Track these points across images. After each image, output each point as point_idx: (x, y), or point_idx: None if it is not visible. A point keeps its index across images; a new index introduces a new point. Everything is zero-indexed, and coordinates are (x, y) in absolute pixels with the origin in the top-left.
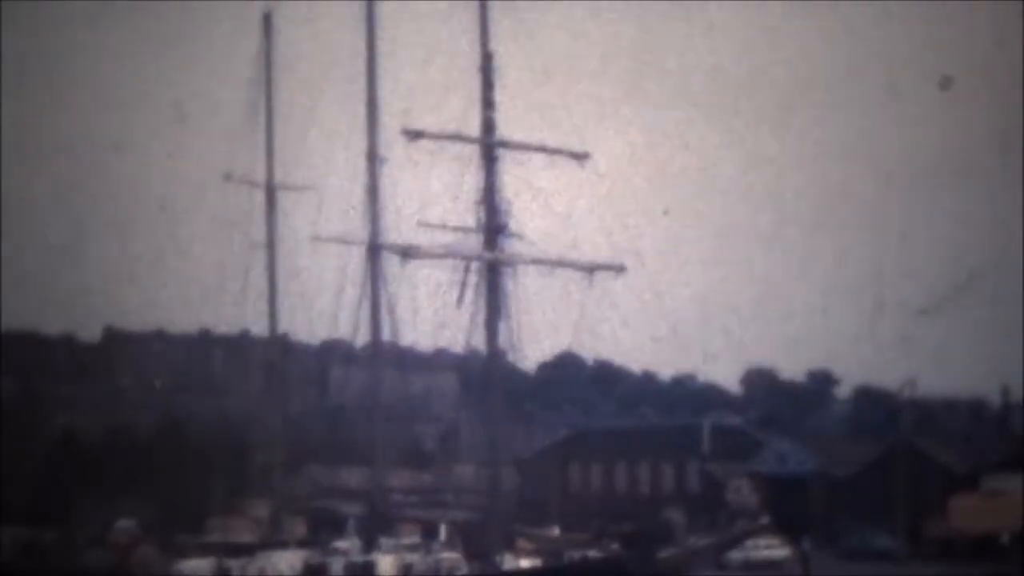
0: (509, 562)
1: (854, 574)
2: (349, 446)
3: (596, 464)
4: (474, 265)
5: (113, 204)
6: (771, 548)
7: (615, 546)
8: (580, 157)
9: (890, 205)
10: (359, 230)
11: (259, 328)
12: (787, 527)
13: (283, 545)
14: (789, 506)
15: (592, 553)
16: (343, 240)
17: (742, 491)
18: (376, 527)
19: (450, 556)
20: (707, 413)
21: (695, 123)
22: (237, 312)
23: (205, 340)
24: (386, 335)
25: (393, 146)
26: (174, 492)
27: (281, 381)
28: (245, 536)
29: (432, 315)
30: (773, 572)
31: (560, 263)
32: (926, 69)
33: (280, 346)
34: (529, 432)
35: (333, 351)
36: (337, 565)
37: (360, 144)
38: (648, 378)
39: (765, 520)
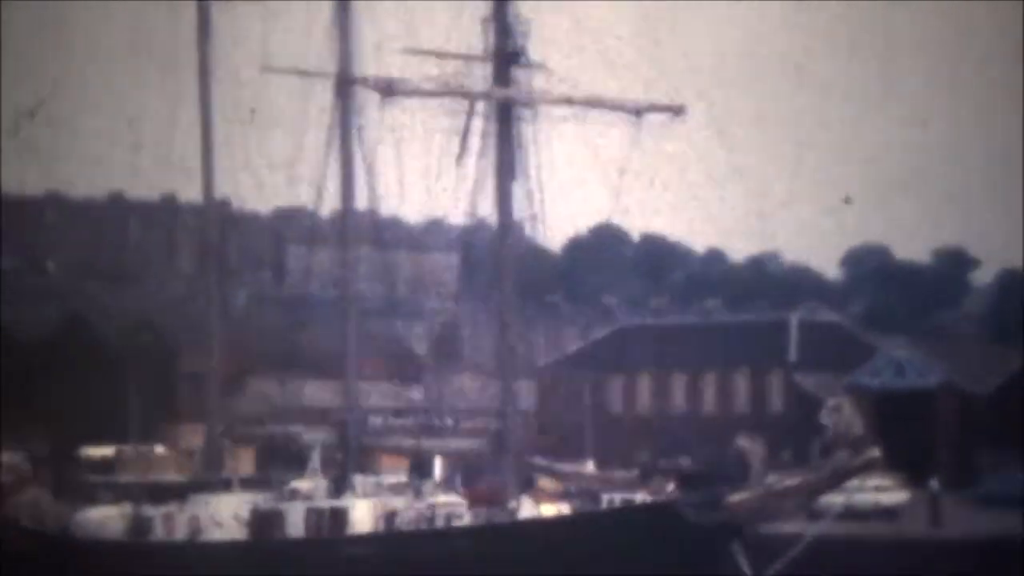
0: (527, 508)
1: (1003, 528)
2: (312, 351)
3: (644, 376)
4: (480, 106)
5: None
6: (883, 490)
7: (670, 487)
8: None
9: None
10: (324, 58)
11: (189, 191)
12: (905, 461)
13: (223, 486)
14: (908, 433)
15: (639, 497)
16: (303, 72)
17: (843, 412)
18: (348, 461)
19: (447, 500)
20: (795, 306)
21: None
22: (159, 170)
23: (116, 208)
24: (361, 202)
25: None
26: (74, 414)
27: (220, 263)
28: (171, 474)
29: (423, 175)
30: (886, 522)
31: (597, 103)
32: None
33: (218, 216)
34: (554, 332)
35: (290, 223)
36: (296, 512)
37: None
38: (715, 259)
39: (874, 452)
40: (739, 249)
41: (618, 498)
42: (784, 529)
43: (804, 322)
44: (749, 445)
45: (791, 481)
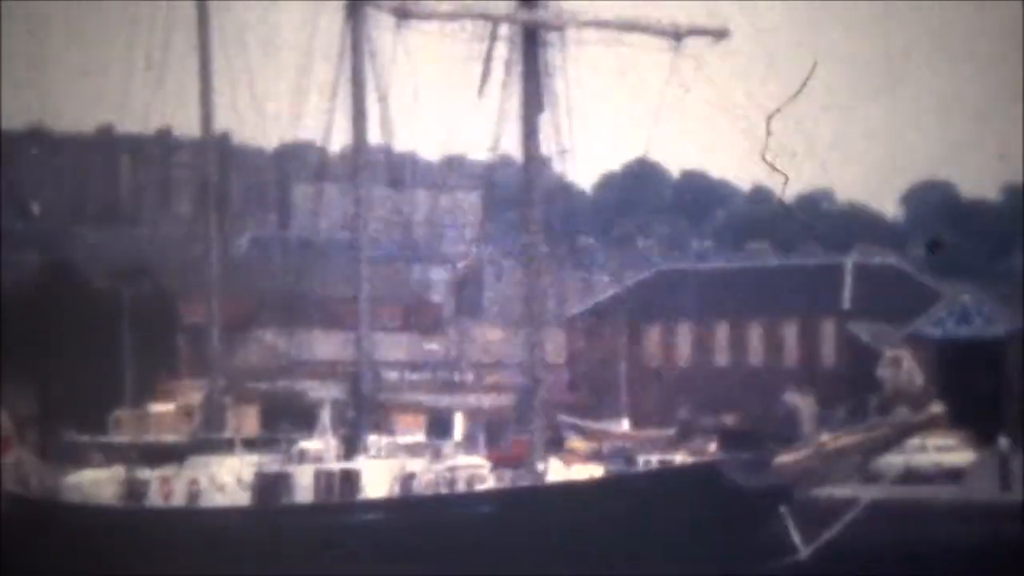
0: (555, 470)
1: None
2: (322, 300)
3: (684, 325)
4: (503, 30)
5: None
6: (946, 450)
7: (711, 447)
8: None
9: None
10: None
11: (186, 125)
12: (971, 418)
13: (225, 447)
14: (974, 386)
15: (678, 458)
16: None
17: (902, 364)
18: (361, 420)
19: (469, 462)
20: (851, 248)
21: None
22: (153, 101)
23: (106, 143)
24: (373, 137)
25: None
26: (62, 370)
27: (220, 204)
28: (168, 433)
29: (441, 107)
30: (950, 485)
31: (631, 26)
32: None
33: (218, 152)
34: (586, 278)
35: (296, 160)
36: (304, 475)
37: None
38: (762, 197)
39: (937, 408)
40: (788, 187)
41: (655, 459)
42: (837, 493)
43: (859, 266)
44: (799, 401)
45: (845, 440)
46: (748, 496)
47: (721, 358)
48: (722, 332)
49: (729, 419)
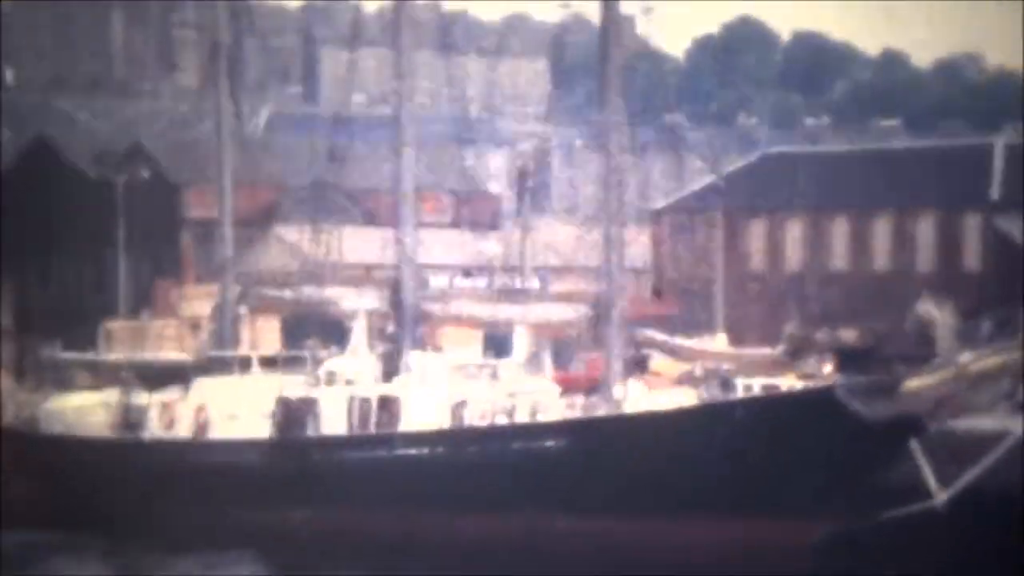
0: (636, 397)
1: None
2: (355, 190)
3: (795, 220)
4: None
5: None
6: None
7: (827, 368)
8: None
9: None
10: None
11: None
12: None
13: (240, 367)
14: None
15: (786, 382)
16: None
17: None
18: (403, 335)
19: (533, 387)
20: (1000, 126)
21: None
22: None
23: None
24: None
25: None
26: (43, 273)
27: (234, 73)
28: (171, 351)
29: None
30: None
31: None
32: None
33: (229, 7)
34: (675, 164)
35: (325, 20)
36: (334, 401)
37: None
38: (891, 63)
39: None
40: (923, 53)
41: (758, 384)
42: (981, 425)
43: (1012, 148)
44: (934, 312)
45: (991, 360)
46: (872, 429)
47: (839, 260)
48: (841, 229)
49: (849, 335)
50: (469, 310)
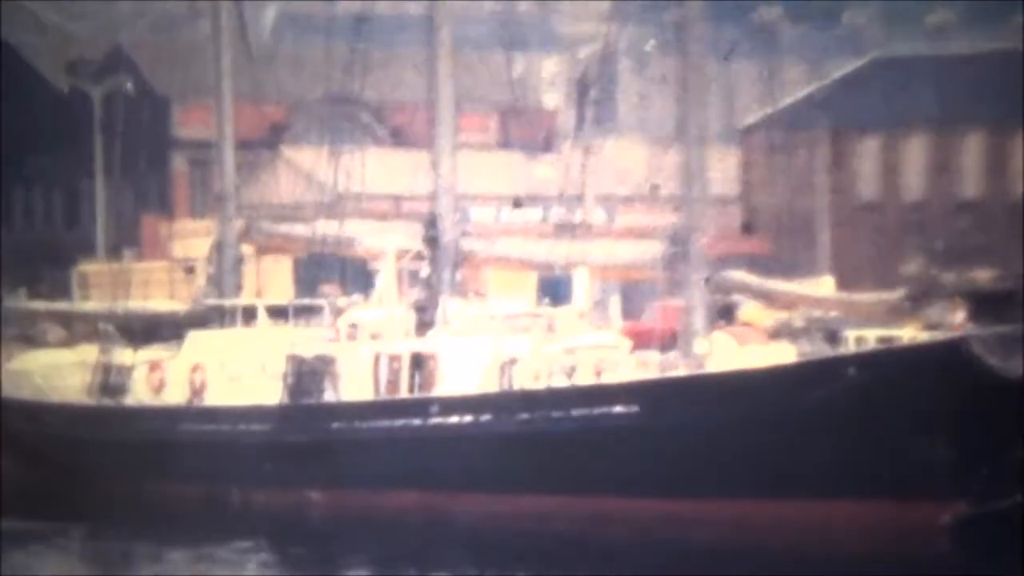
0: (723, 353)
1: None
2: (381, 105)
3: (915, 139)
4: None
5: None
6: None
7: (957, 316)
8: None
9: None
10: None
11: None
12: None
13: (243, 318)
14: None
15: (906, 333)
16: None
17: None
18: (439, 280)
19: (597, 341)
20: None
21: None
22: None
23: None
24: None
25: None
26: (6, 205)
27: None
28: (160, 299)
29: None
30: None
31: None
32: None
33: None
34: (768, 71)
35: None
36: (356, 359)
37: None
38: None
39: None
40: None
41: (873, 336)
42: None
43: None
44: None
45: None
46: (1012, 388)
47: (969, 187)
48: (971, 148)
49: (982, 276)
50: (519, 249)
